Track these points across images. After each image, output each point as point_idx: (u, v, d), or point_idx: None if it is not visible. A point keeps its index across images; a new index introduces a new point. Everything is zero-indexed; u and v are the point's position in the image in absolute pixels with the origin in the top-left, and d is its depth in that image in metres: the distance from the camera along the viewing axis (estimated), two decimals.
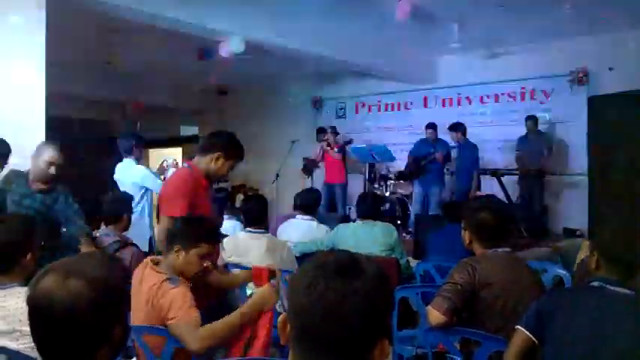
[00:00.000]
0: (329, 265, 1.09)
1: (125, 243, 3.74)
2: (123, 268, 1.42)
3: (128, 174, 5.30)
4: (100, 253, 1.41)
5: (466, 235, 2.73)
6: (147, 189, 5.26)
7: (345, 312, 1.04)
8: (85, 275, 1.25)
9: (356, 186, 9.04)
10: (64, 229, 3.75)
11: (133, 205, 4.45)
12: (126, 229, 3.97)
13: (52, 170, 3.60)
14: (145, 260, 2.63)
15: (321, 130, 9.71)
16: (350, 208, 8.23)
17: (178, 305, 2.30)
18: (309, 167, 9.67)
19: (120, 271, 1.38)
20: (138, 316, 2.40)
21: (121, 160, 5.47)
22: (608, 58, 7.85)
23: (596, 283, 2.02)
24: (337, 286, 1.05)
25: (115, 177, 5.40)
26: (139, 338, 2.34)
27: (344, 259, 1.12)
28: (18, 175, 3.72)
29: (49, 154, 3.61)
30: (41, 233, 3.52)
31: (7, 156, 4.18)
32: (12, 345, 2.03)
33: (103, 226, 3.91)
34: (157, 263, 2.56)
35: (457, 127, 8.26)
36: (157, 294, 2.36)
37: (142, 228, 5.09)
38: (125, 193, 4.45)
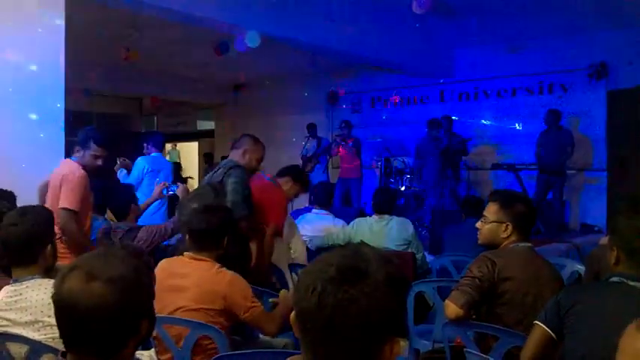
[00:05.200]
0: (330, 268, 1.06)
1: (137, 227, 3.79)
2: (146, 262, 1.43)
3: (167, 166, 5.85)
4: (124, 249, 1.41)
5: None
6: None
7: (345, 318, 1.02)
8: (107, 276, 1.26)
9: (371, 180, 9.04)
10: None
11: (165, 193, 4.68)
12: (139, 215, 4.07)
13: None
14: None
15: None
16: (365, 203, 8.21)
17: (250, 294, 2.54)
18: (305, 164, 9.87)
19: (144, 266, 1.38)
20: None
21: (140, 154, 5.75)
22: (628, 52, 7.74)
23: (615, 279, 1.99)
24: (336, 292, 1.03)
25: (153, 168, 5.59)
26: (160, 328, 2.37)
27: (347, 262, 1.07)
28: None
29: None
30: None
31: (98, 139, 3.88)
32: (34, 335, 2.06)
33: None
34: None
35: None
36: (214, 280, 2.50)
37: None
38: (126, 186, 4.67)
